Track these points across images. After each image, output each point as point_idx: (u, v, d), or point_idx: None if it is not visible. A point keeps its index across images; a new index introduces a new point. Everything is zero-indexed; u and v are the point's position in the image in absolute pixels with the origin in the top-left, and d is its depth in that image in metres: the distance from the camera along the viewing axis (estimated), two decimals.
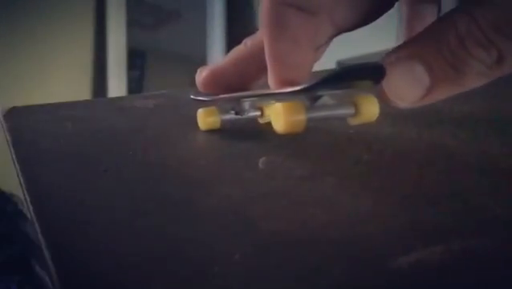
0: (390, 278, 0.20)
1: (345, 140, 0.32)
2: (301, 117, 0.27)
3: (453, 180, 0.27)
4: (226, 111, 0.34)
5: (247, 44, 0.33)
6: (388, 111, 0.31)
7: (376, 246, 0.22)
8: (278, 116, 0.28)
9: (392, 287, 0.20)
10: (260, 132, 0.33)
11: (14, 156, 0.30)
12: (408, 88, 0.24)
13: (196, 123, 0.34)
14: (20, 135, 0.33)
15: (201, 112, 0.34)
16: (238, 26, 2.05)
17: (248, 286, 0.20)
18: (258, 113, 0.33)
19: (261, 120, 0.34)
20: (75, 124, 0.35)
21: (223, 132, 0.34)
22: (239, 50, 0.33)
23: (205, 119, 0.34)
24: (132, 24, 2.02)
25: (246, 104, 0.33)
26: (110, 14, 1.92)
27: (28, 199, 0.26)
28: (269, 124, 0.29)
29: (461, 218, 0.24)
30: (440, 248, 0.21)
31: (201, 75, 0.33)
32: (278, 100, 0.28)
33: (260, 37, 0.31)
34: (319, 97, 0.28)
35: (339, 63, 1.51)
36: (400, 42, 0.27)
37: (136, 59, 2.07)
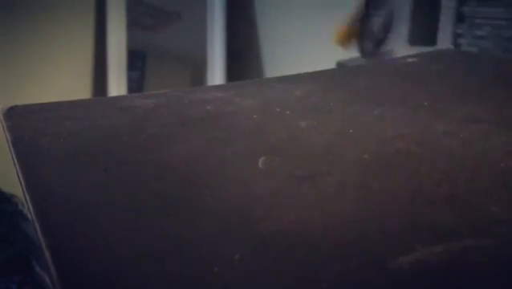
0: (390, 278, 0.20)
1: (345, 140, 0.32)
2: None
3: (453, 180, 0.27)
4: None
5: None
6: (388, 111, 0.31)
7: (376, 247, 0.22)
8: None
9: (392, 287, 0.20)
10: (267, 134, 0.33)
11: (14, 156, 0.30)
12: None
13: (200, 123, 0.34)
14: (20, 134, 0.33)
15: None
16: (238, 27, 2.05)
17: (248, 287, 0.20)
18: None
19: None
20: (75, 123, 0.35)
21: (224, 131, 0.34)
22: None
23: None
24: (132, 24, 2.02)
25: None
26: (110, 14, 1.92)
27: (28, 199, 0.26)
28: None
29: (461, 218, 0.24)
30: (440, 248, 0.21)
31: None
32: None
33: None
34: None
35: (338, 63, 1.51)
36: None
37: (136, 60, 2.07)
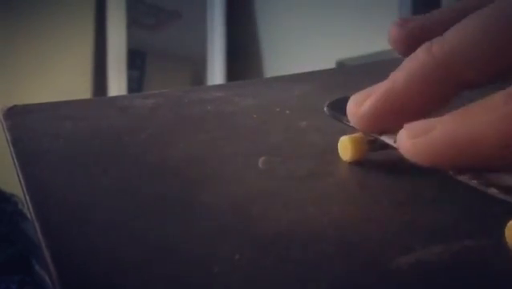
0: (390, 278, 0.20)
1: None
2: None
3: (453, 179, 0.27)
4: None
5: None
6: None
7: (376, 246, 0.22)
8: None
9: (392, 287, 0.20)
10: (267, 134, 0.33)
11: (13, 156, 0.30)
12: None
13: (200, 123, 0.34)
14: (20, 134, 0.33)
15: (346, 141, 0.29)
16: (238, 27, 2.05)
17: (248, 287, 0.20)
18: None
19: None
20: (74, 123, 0.35)
21: (224, 131, 0.34)
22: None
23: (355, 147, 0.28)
24: (132, 24, 2.02)
25: None
26: (110, 14, 1.92)
27: (28, 199, 0.26)
28: None
29: (461, 218, 0.24)
30: (440, 248, 0.21)
31: (401, 28, 0.27)
32: None
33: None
34: None
35: (338, 63, 1.51)
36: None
37: (136, 59, 2.07)
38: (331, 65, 1.45)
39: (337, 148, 0.29)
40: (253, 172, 0.28)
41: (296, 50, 1.89)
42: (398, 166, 0.29)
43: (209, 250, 0.22)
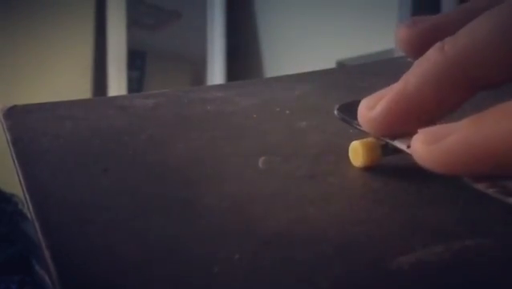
0: (390, 278, 0.20)
1: (345, 139, 0.32)
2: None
3: (453, 179, 0.27)
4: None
5: None
6: None
7: (376, 246, 0.22)
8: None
9: (392, 287, 0.20)
10: (267, 134, 0.33)
11: (13, 156, 0.30)
12: None
13: (200, 123, 0.34)
14: (20, 134, 0.33)
15: (357, 146, 0.28)
16: (238, 27, 2.05)
17: (248, 287, 0.20)
18: None
19: None
20: (74, 122, 0.35)
21: (224, 131, 0.34)
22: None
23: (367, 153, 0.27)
24: (132, 24, 2.02)
25: None
26: (110, 14, 1.93)
27: (28, 199, 0.26)
28: None
29: (461, 218, 0.24)
30: (440, 248, 0.21)
31: (410, 29, 0.26)
32: None
33: None
34: None
35: (338, 63, 1.51)
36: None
37: (136, 59, 2.08)
38: (331, 65, 1.45)
39: (337, 148, 0.29)
40: (253, 172, 0.28)
41: (296, 50, 1.90)
42: (399, 166, 0.29)
43: (209, 250, 0.22)
